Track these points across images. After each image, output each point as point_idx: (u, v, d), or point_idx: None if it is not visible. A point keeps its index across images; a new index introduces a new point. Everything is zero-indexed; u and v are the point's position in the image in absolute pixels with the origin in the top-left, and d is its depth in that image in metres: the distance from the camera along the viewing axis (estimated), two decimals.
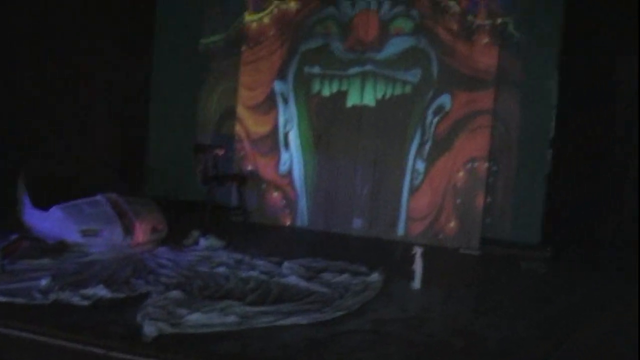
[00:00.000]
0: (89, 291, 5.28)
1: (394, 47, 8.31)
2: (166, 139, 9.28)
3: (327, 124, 8.60)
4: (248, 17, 8.84)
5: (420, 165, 8.24)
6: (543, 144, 8.02)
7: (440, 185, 8.20)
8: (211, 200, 8.12)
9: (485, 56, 8.00)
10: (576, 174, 8.03)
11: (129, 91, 9.32)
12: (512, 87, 8.05)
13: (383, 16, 8.35)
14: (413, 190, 8.31)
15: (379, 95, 8.37)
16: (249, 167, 8.87)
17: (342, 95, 8.52)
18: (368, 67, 8.38)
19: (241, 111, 8.92)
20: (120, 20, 9.05)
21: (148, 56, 9.35)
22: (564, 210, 8.05)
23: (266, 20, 8.78)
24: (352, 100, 8.49)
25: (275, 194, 8.81)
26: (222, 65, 9.07)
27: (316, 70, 8.60)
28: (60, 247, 6.59)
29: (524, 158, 8.12)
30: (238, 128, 8.93)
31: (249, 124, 8.90)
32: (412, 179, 8.30)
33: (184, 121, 9.25)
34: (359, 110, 8.46)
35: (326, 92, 8.57)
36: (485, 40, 7.99)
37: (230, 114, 9.04)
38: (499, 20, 7.99)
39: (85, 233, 6.73)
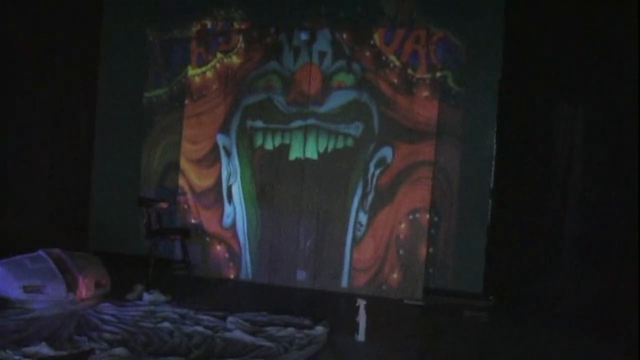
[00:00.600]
0: (31, 349, 5.12)
1: (336, 100, 8.36)
2: (110, 193, 9.12)
3: (270, 177, 8.55)
4: (191, 71, 8.79)
5: (363, 217, 8.26)
6: (483, 194, 8.17)
7: (383, 236, 8.21)
8: (155, 254, 7.97)
9: (425, 109, 8.12)
10: (516, 223, 8.05)
11: (73, 144, 9.17)
12: (453, 139, 8.20)
13: (325, 70, 8.40)
14: (356, 242, 8.30)
15: (322, 149, 8.38)
16: (193, 221, 8.75)
17: (285, 149, 8.51)
18: (310, 121, 8.41)
19: (184, 164, 8.82)
20: (65, 73, 8.93)
21: (92, 110, 9.21)
22: (505, 259, 8.05)
23: (209, 74, 8.76)
24: (295, 153, 8.48)
25: (219, 247, 8.69)
26: (165, 119, 8.98)
27: (259, 123, 8.58)
28: (1, 304, 6.40)
29: (464, 209, 8.26)
30: (181, 181, 8.82)
31: (193, 177, 8.80)
32: (355, 231, 8.30)
33: (128, 175, 9.11)
34: (302, 163, 8.45)
35: (269, 146, 8.55)
36: (426, 93, 8.11)
37: (174, 167, 8.94)
38: (439, 74, 8.13)
39: (27, 289, 6.54)
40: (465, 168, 8.21)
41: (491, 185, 8.11)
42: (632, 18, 6.52)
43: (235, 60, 8.69)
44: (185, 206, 8.79)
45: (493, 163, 8.12)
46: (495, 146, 8.12)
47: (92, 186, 9.31)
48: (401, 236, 8.16)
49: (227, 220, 8.71)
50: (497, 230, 8.15)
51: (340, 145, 8.36)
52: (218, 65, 8.75)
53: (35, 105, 8.71)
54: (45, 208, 8.92)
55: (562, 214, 7.63)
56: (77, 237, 9.09)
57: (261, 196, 8.59)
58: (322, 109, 8.39)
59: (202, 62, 8.79)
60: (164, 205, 8.25)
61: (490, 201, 8.12)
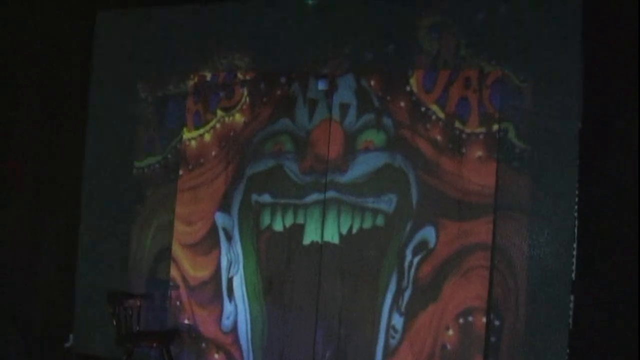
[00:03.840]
0: None
1: (363, 166, 6.14)
2: (94, 286, 7.03)
3: (280, 267, 6.34)
4: (187, 134, 6.72)
5: (398, 321, 5.91)
6: (562, 289, 5.67)
7: (425, 346, 5.82)
8: None
9: (479, 174, 5.80)
10: (607, 328, 5.68)
11: (56, 228, 7.32)
12: (517, 214, 5.76)
13: (348, 127, 6.20)
14: (389, 353, 5.94)
15: (344, 230, 6.15)
16: (186, 321, 6.58)
17: (298, 230, 6.32)
18: (330, 194, 6.20)
19: (177, 250, 6.68)
20: (46, 141, 7.27)
21: (77, 188, 7.35)
22: None
23: (207, 137, 6.66)
24: (310, 235, 6.27)
25: (217, 356, 6.45)
26: (158, 194, 6.86)
27: (266, 198, 6.43)
28: None
29: (536, 309, 5.74)
30: (173, 271, 6.68)
31: (186, 266, 6.64)
32: (388, 338, 5.94)
33: (115, 263, 7.02)
34: (319, 248, 6.22)
35: (279, 226, 6.37)
36: (479, 153, 5.79)
37: (167, 254, 6.80)
38: (496, 127, 5.80)
39: None
40: (535, 254, 5.74)
41: (573, 276, 5.64)
42: None
43: (238, 118, 6.58)
44: (178, 303, 6.67)
45: (574, 246, 5.63)
46: (577, 223, 5.65)
47: (75, 278, 7.23)
48: (449, 346, 5.76)
49: (226, 322, 6.48)
50: (582, 337, 5.65)
51: (367, 224, 6.09)
52: (218, 125, 6.66)
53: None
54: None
55: None
56: (58, 342, 7.20)
57: (268, 291, 6.36)
58: (345, 178, 6.18)
59: (199, 123, 6.72)
60: (136, 302, 6.21)
61: (572, 298, 5.63)
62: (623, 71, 5.75)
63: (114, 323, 6.14)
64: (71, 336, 7.09)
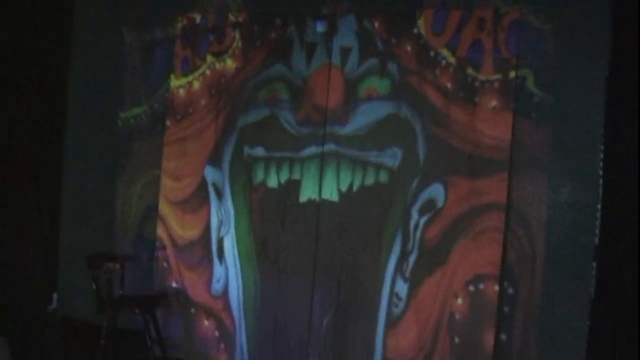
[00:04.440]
0: None
1: (365, 116, 5.50)
2: (79, 246, 6.49)
3: (274, 227, 5.78)
4: (174, 82, 6.12)
5: (402, 287, 5.32)
6: (584, 254, 5.02)
7: (431, 315, 5.25)
8: (108, 334, 5.49)
9: (494, 126, 5.12)
10: (633, 298, 5.14)
11: (38, 186, 6.75)
12: (536, 171, 5.10)
13: (350, 74, 5.55)
14: (392, 322, 5.36)
15: (344, 186, 5.54)
16: (174, 284, 6.06)
17: (294, 186, 5.72)
18: (329, 147, 5.59)
19: (164, 208, 6.14)
20: (27, 90, 6.66)
21: (60, 140, 6.78)
22: (616, 354, 5.12)
23: (196, 84, 6.05)
24: (307, 192, 5.67)
25: (207, 322, 5.95)
26: (145, 147, 6.31)
27: (260, 151, 5.83)
28: None
29: (554, 276, 5.11)
30: (160, 231, 6.15)
31: (174, 225, 6.11)
32: (390, 306, 5.37)
33: (101, 222, 6.54)
34: (317, 206, 5.63)
35: (273, 182, 5.79)
36: (494, 102, 5.11)
37: (155, 212, 6.27)
38: (513, 74, 5.10)
39: None
40: (555, 215, 5.10)
41: (596, 240, 4.98)
42: None
43: (229, 64, 5.96)
44: (165, 264, 6.13)
45: (599, 207, 4.96)
46: (602, 182, 4.97)
47: (58, 238, 6.78)
48: (457, 316, 5.18)
49: (217, 286, 5.96)
50: (605, 309, 5.02)
51: (370, 181, 5.47)
52: (208, 71, 6.03)
53: None
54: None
55: None
56: (42, 301, 6.70)
57: (262, 253, 5.81)
58: (345, 130, 5.55)
59: (188, 69, 6.12)
60: (115, 266, 5.69)
61: (594, 265, 4.97)
62: None
63: (94, 288, 5.65)
64: (54, 297, 6.62)
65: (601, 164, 4.97)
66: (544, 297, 5.14)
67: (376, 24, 5.50)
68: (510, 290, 5.12)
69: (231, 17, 6.00)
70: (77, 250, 6.46)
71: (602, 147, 4.99)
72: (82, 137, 6.65)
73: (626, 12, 5.07)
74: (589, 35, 5.05)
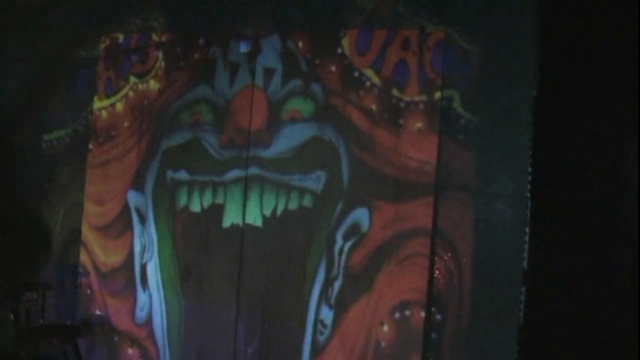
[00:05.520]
0: None
1: (288, 139, 5.21)
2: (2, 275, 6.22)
3: (197, 253, 5.46)
4: (97, 103, 5.81)
5: (327, 314, 5.03)
6: (512, 279, 4.75)
7: (357, 343, 4.94)
8: None
9: (419, 148, 4.86)
10: (562, 324, 4.88)
11: None
12: (462, 194, 4.83)
13: (273, 95, 5.27)
14: (317, 350, 5.07)
15: (268, 211, 5.25)
16: (98, 312, 5.74)
17: (217, 211, 5.42)
18: (252, 170, 5.30)
19: (87, 233, 5.80)
20: None
21: None
22: None
23: (119, 106, 5.73)
24: (230, 217, 5.37)
25: (131, 351, 5.61)
26: (67, 171, 5.97)
27: (183, 175, 5.52)
28: None
29: (483, 301, 4.83)
30: (83, 257, 5.81)
31: (97, 251, 5.77)
32: (315, 334, 5.08)
33: (23, 249, 6.21)
34: (241, 232, 5.33)
35: (196, 207, 5.47)
36: (419, 124, 4.86)
37: (78, 237, 5.94)
38: (439, 95, 4.85)
39: None
40: (483, 239, 4.84)
41: (525, 264, 4.72)
42: None
43: (152, 85, 5.64)
44: (88, 291, 5.82)
45: (527, 230, 4.71)
46: (530, 204, 4.72)
47: None
48: (383, 343, 4.89)
49: (140, 314, 5.62)
50: (534, 334, 4.78)
51: (293, 205, 5.18)
52: (131, 93, 5.72)
53: None
54: None
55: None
56: None
57: (185, 280, 5.48)
58: (268, 153, 5.26)
59: (111, 91, 5.79)
60: (31, 295, 5.36)
61: (523, 290, 4.71)
62: (585, 31, 4.91)
63: (12, 318, 5.30)
64: None
65: (529, 186, 4.77)
66: (472, 323, 4.87)
67: (300, 44, 5.24)
68: (438, 317, 4.86)
69: (154, 37, 5.69)
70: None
71: (530, 168, 4.79)
72: (5, 160, 6.30)
73: (553, 32, 4.89)
74: (515, 55, 4.82)
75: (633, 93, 4.88)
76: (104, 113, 5.81)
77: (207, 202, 5.44)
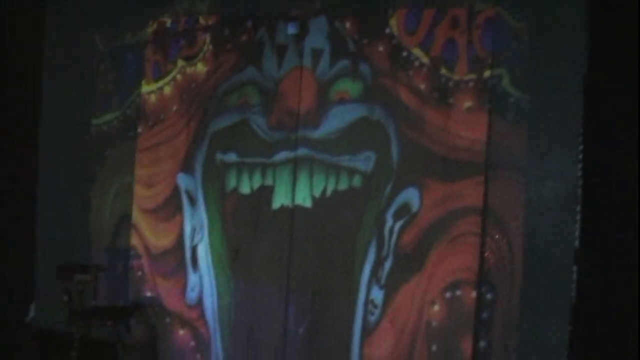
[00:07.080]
0: None
1: (337, 120, 5.10)
2: (54, 256, 6.07)
3: (247, 234, 5.38)
4: (145, 87, 5.73)
5: (378, 294, 4.94)
6: (564, 258, 4.62)
7: (408, 322, 4.85)
8: (77, 345, 5.13)
9: (469, 127, 4.73)
10: (614, 302, 4.75)
11: (13, 195, 6.35)
12: (513, 173, 4.70)
13: (321, 76, 5.15)
14: (368, 330, 4.98)
15: (317, 192, 5.15)
16: (149, 293, 5.67)
17: (266, 193, 5.33)
18: (301, 151, 5.20)
19: (137, 216, 5.74)
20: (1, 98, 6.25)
21: (34, 146, 6.39)
22: (594, 356, 4.76)
23: (167, 90, 5.66)
24: (280, 199, 5.27)
25: (182, 332, 5.55)
26: (117, 154, 5.90)
27: (232, 157, 5.43)
28: None
29: (534, 280, 4.72)
30: (134, 239, 5.75)
31: (147, 234, 5.71)
32: (366, 314, 4.99)
33: (76, 232, 6.11)
34: (290, 213, 5.23)
35: (246, 189, 5.38)
36: (469, 103, 4.73)
37: (128, 220, 5.87)
38: (488, 73, 4.70)
39: None
40: (534, 218, 4.71)
41: (576, 243, 4.60)
42: None
43: (200, 68, 5.56)
44: (140, 273, 5.77)
45: (579, 209, 4.58)
46: (581, 183, 4.60)
47: (35, 248, 6.33)
48: (434, 323, 4.80)
49: (191, 295, 5.56)
50: (586, 313, 4.64)
51: (343, 185, 5.08)
52: (179, 76, 5.64)
53: None
54: None
55: None
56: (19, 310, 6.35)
57: (235, 261, 5.41)
58: (317, 134, 5.16)
59: (159, 74, 5.71)
60: (83, 277, 5.32)
61: (575, 269, 4.59)
62: (637, 7, 4.75)
63: (65, 299, 5.28)
64: (31, 308, 6.26)
65: (580, 164, 4.62)
66: (523, 302, 4.76)
67: (348, 25, 5.11)
68: (489, 296, 4.75)
69: (202, 21, 5.60)
70: (54, 261, 6.07)
71: (581, 146, 4.64)
72: (55, 145, 6.28)
73: (603, 8, 4.74)
74: (566, 32, 4.68)
75: None
76: (152, 97, 5.73)
77: (256, 184, 5.36)
